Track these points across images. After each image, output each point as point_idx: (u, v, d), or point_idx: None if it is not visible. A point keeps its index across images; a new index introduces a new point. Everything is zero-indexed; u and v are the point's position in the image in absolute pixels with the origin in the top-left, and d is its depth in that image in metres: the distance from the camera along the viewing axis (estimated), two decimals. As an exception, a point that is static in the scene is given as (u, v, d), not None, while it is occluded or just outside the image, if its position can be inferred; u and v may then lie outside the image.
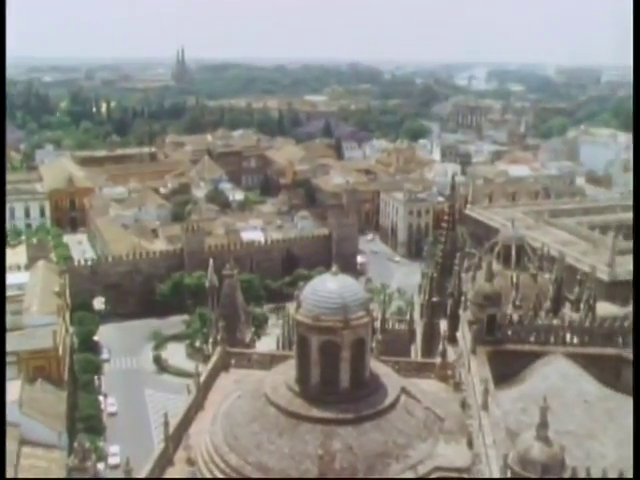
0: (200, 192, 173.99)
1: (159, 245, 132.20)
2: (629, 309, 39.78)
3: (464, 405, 34.71)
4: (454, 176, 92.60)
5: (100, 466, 60.48)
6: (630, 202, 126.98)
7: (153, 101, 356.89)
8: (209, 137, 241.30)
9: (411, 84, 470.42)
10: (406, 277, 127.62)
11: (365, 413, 32.09)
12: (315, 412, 32.03)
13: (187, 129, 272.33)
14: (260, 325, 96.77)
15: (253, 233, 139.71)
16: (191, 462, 32.79)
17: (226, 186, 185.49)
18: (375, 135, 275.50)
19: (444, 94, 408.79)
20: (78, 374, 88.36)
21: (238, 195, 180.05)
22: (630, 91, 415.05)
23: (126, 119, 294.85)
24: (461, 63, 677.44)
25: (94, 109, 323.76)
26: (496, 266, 48.76)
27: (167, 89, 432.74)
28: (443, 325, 44.93)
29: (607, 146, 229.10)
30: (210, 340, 44.50)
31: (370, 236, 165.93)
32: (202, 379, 38.23)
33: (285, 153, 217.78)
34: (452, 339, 40.90)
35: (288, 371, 34.50)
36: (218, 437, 32.82)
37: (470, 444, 31.78)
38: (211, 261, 48.80)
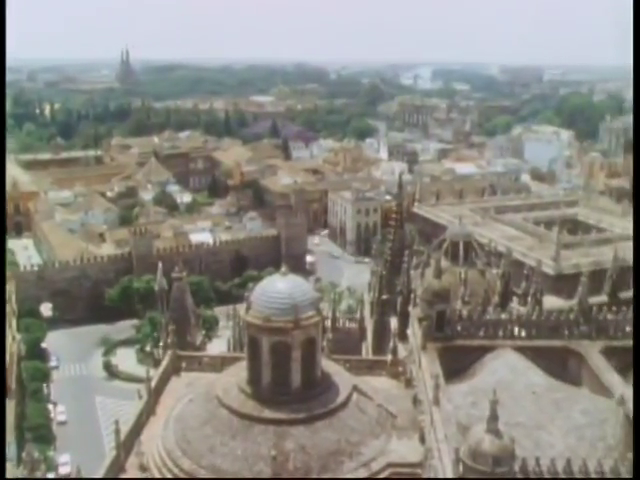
0: (147, 195, 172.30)
1: (107, 249, 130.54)
2: (574, 301, 40.48)
3: (415, 401, 34.99)
4: (401, 174, 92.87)
5: (50, 476, 59.43)
6: (574, 198, 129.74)
7: (98, 103, 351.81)
8: (155, 139, 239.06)
9: (357, 84, 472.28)
10: (356, 275, 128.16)
11: (317, 412, 32.18)
12: (267, 413, 32.02)
13: (133, 131, 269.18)
14: (211, 327, 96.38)
15: (202, 235, 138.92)
16: (143, 468, 32.45)
17: (174, 188, 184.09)
18: (322, 135, 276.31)
19: (390, 93, 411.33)
20: (26, 382, 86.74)
21: (186, 197, 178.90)
22: (571, 89, 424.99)
23: (71, 121, 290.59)
24: (406, 63, 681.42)
25: (37, 111, 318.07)
26: (444, 263, 49.38)
27: (112, 91, 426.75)
28: (393, 322, 45.24)
29: (550, 143, 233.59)
30: (160, 344, 44.13)
31: (319, 236, 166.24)
32: (153, 384, 37.83)
33: (232, 154, 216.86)
34: (402, 336, 41.19)
35: (239, 373, 34.42)
36: (170, 442, 32.57)
37: (422, 439, 32.07)
38: (160, 264, 48.28)
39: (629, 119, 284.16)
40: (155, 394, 37.68)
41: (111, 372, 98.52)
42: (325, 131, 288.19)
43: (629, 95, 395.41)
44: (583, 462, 26.70)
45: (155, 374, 39.46)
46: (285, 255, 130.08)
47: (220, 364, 40.01)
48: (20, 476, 29.36)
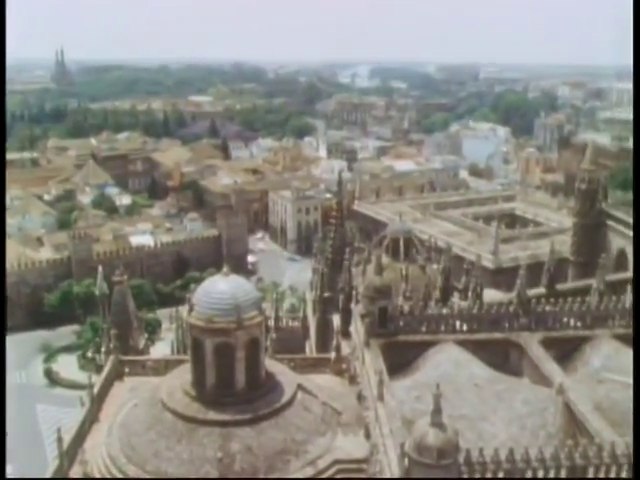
0: (86, 198, 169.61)
1: (45, 254, 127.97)
2: (514, 294, 41.24)
3: (360, 397, 35.20)
4: (341, 172, 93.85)
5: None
6: (511, 193, 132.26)
7: (33, 104, 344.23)
8: (93, 141, 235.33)
9: (295, 82, 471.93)
10: (297, 274, 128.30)
11: (262, 412, 32.16)
12: (212, 415, 31.86)
13: (70, 133, 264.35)
14: (153, 331, 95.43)
15: (142, 237, 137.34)
16: (87, 477, 31.97)
17: (113, 191, 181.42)
18: (261, 134, 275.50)
19: (328, 92, 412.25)
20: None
21: (125, 199, 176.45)
22: (507, 87, 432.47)
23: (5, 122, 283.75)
24: (344, 61, 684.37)
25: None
26: (385, 259, 49.69)
27: (47, 91, 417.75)
28: (336, 320, 45.36)
29: (487, 140, 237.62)
30: (102, 349, 43.36)
31: (260, 235, 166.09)
32: (96, 390, 37.24)
33: (172, 155, 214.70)
34: (345, 333, 41.36)
35: (184, 375, 34.16)
36: (115, 448, 32.15)
37: (367, 435, 32.30)
38: (100, 268, 47.64)
39: (562, 116, 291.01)
40: (98, 400, 37.12)
41: (52, 379, 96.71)
42: (264, 130, 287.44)
43: (562, 92, 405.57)
44: (525, 450, 27.26)
45: (97, 380, 38.85)
46: (227, 255, 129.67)
47: (164, 367, 39.63)
48: None
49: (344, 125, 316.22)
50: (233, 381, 32.82)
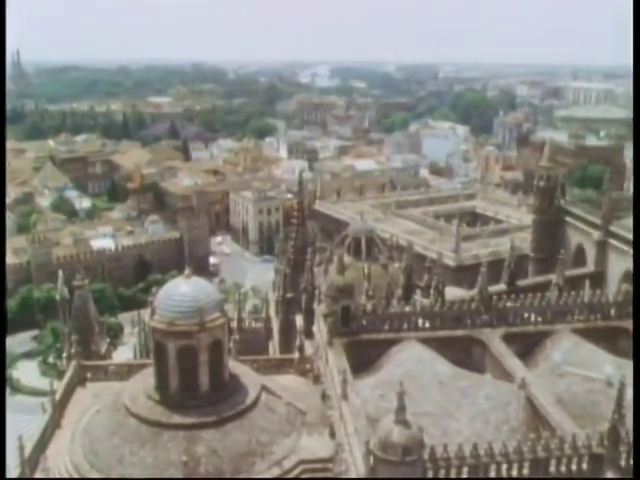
0: (45, 201, 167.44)
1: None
2: (475, 291, 41.68)
3: (324, 397, 35.26)
4: (301, 172, 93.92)
5: None
6: (471, 191, 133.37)
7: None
8: (51, 143, 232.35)
9: (255, 83, 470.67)
10: (260, 275, 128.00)
11: (227, 414, 32.03)
12: (176, 419, 31.65)
13: (27, 135, 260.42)
14: (115, 335, 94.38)
15: (103, 241, 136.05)
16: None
17: (72, 194, 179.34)
18: (221, 135, 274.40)
19: (288, 92, 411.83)
20: None
21: (85, 202, 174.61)
22: (466, 86, 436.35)
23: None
24: (304, 61, 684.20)
25: None
26: (347, 259, 49.95)
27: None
28: (299, 320, 45.39)
29: (447, 138, 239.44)
30: (64, 355, 42.83)
31: (221, 237, 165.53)
32: (57, 396, 36.70)
33: (131, 157, 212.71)
34: (309, 333, 41.42)
35: (147, 380, 33.86)
36: (78, 455, 31.75)
37: (332, 434, 32.36)
38: (60, 272, 47.03)
39: (520, 114, 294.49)
40: (60, 407, 36.60)
41: (13, 386, 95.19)
42: (224, 131, 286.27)
43: (520, 91, 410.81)
44: (489, 445, 27.62)
45: (59, 386, 38.31)
46: (188, 257, 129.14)
47: (127, 372, 39.22)
48: None
49: (305, 125, 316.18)
50: (197, 384, 32.65)
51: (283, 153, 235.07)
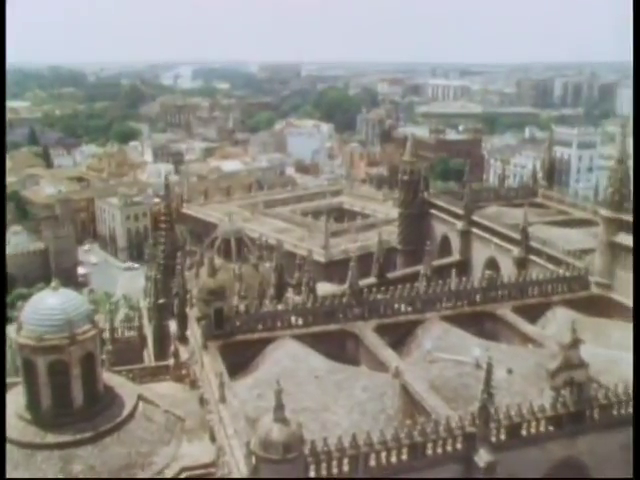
0: None
1: None
2: (346, 286, 42.42)
3: (202, 401, 35.05)
4: (167, 176, 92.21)
5: None
6: (338, 187, 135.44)
7: None
8: None
9: (117, 86, 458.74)
10: (131, 283, 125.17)
11: (103, 429, 31.33)
12: (50, 438, 30.68)
13: None
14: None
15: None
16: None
17: None
18: (84, 140, 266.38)
19: (151, 94, 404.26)
20: None
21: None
22: (328, 84, 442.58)
23: None
24: (166, 62, 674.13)
25: None
26: (218, 261, 49.73)
27: None
28: (173, 326, 44.86)
29: (312, 136, 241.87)
30: None
31: (88, 245, 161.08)
32: None
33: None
34: (183, 338, 41.02)
35: (17, 399, 32.54)
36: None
37: (213, 438, 32.23)
38: None
39: (382, 111, 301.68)
40: None
41: None
42: (87, 136, 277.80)
43: (381, 89, 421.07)
44: (367, 435, 28.27)
45: None
46: (55, 269, 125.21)
47: (-7, 392, 37.60)
48: None
49: (169, 128, 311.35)
50: (70, 400, 31.71)
51: (148, 157, 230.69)
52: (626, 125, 52.76)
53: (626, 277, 44.35)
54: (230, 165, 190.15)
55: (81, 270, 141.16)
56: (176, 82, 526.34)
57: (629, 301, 43.70)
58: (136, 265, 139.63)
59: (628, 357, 37.49)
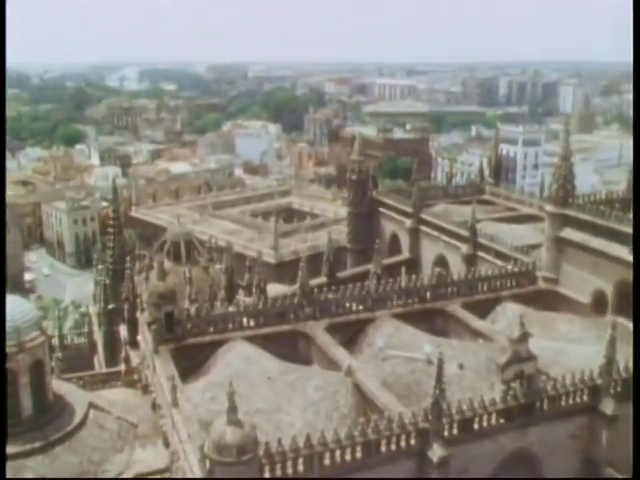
0: None
1: None
2: (297, 286, 42.47)
3: (155, 406, 34.78)
4: (115, 179, 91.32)
5: None
6: (286, 187, 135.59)
7: None
8: None
9: (62, 88, 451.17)
10: (79, 288, 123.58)
11: (54, 438, 30.88)
12: (-1, 447, 30.08)
13: None
14: None
15: None
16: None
17: None
18: (29, 143, 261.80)
19: (97, 96, 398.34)
20: None
21: None
22: (276, 85, 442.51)
23: None
24: (111, 64, 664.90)
25: None
26: (168, 264, 49.34)
27: None
28: (123, 331, 44.45)
29: (260, 137, 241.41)
30: None
31: (35, 251, 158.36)
32: None
33: None
34: (134, 343, 40.65)
35: (-38, 410, 31.92)
36: None
37: (166, 443, 31.99)
38: None
39: (330, 111, 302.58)
40: None
41: None
42: (31, 139, 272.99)
43: (329, 88, 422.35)
44: (321, 434, 28.35)
45: None
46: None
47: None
48: None
49: (115, 130, 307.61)
50: (19, 409, 31.16)
51: (95, 160, 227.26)
52: (569, 122, 53.89)
53: (572, 271, 45.35)
54: (178, 167, 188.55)
55: (28, 276, 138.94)
56: (122, 84, 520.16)
57: (575, 294, 44.72)
58: (85, 269, 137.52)
59: (575, 349, 38.39)
